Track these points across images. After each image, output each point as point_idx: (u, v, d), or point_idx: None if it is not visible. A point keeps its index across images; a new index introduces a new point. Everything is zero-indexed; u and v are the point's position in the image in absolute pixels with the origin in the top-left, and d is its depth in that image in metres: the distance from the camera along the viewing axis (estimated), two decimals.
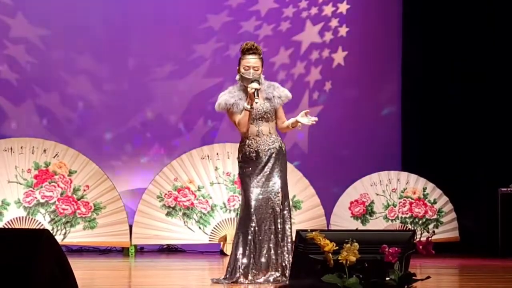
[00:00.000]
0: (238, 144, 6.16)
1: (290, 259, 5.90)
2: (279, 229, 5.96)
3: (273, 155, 6.05)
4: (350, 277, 4.84)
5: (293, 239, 6.04)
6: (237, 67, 6.10)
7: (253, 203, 5.97)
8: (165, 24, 10.16)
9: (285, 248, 5.94)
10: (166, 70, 10.20)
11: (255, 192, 5.98)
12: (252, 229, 5.93)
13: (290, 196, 9.31)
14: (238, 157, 6.14)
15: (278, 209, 5.97)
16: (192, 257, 9.14)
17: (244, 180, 6.06)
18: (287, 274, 5.82)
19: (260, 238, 5.92)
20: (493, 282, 6.54)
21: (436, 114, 10.37)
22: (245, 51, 6.07)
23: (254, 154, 6.04)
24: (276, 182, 6.03)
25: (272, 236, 5.95)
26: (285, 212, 6.01)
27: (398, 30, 10.71)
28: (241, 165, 6.11)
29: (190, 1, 10.35)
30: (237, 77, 6.11)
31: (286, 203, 6.04)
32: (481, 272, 7.58)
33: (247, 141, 6.07)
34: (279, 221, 5.97)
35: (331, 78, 10.61)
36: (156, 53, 10.14)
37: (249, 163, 6.05)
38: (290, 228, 6.02)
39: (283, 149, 6.12)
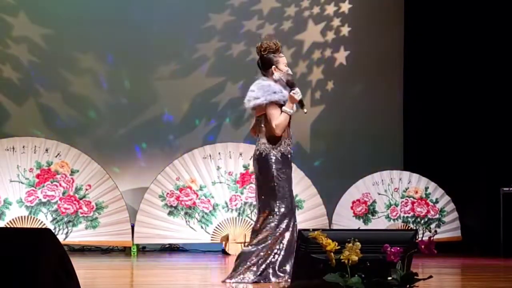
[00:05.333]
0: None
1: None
2: None
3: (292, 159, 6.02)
4: (352, 276, 4.83)
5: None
6: (273, 66, 5.87)
7: (294, 205, 5.89)
8: (166, 23, 10.16)
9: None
10: (168, 69, 10.20)
11: (293, 196, 5.91)
12: (291, 229, 5.85)
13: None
14: (274, 158, 5.81)
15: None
16: (194, 257, 9.14)
17: (285, 183, 5.84)
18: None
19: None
20: (495, 282, 6.53)
21: (438, 113, 10.37)
22: (279, 49, 5.91)
23: (289, 156, 5.89)
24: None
25: None
26: None
27: (400, 30, 10.71)
28: (279, 167, 5.81)
29: (192, 0, 10.35)
30: (276, 75, 5.85)
31: None
32: (483, 271, 7.57)
33: (284, 141, 5.86)
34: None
35: (333, 78, 10.61)
36: (159, 52, 10.14)
37: (288, 165, 5.87)
38: None
39: None
